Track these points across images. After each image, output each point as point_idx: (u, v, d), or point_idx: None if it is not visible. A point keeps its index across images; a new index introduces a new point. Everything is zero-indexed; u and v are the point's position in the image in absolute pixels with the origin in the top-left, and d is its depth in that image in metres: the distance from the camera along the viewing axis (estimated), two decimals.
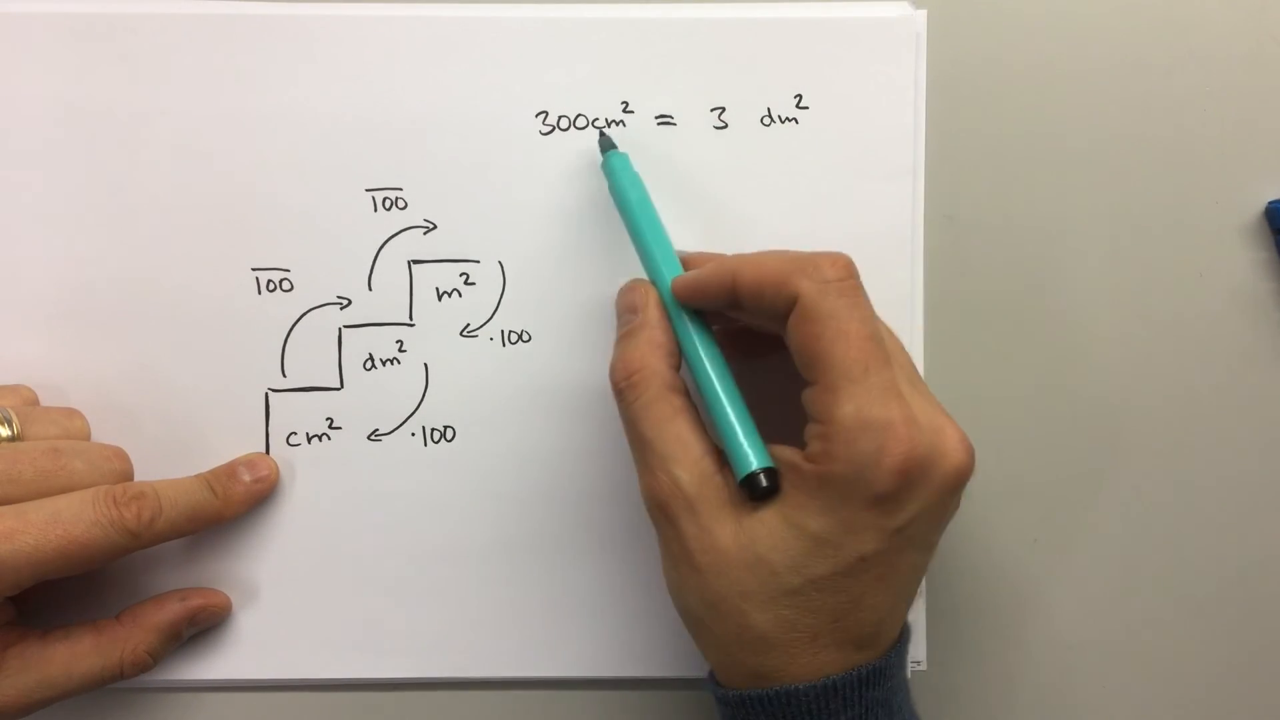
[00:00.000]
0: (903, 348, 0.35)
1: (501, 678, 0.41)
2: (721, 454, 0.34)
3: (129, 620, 0.38)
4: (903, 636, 0.34)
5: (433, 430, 0.41)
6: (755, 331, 0.38)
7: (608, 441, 0.41)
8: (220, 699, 0.41)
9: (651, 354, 0.34)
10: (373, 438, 0.41)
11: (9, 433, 0.37)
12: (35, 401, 0.40)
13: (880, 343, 0.32)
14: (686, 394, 0.34)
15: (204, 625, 0.40)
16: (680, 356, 0.35)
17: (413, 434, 0.41)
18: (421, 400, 0.41)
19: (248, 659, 0.41)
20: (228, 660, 0.41)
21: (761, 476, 0.32)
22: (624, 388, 0.34)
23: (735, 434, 0.33)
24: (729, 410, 0.33)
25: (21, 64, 0.40)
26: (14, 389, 0.39)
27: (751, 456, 0.32)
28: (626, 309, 0.36)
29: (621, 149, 0.39)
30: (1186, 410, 0.42)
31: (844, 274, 0.32)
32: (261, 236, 0.40)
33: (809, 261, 0.32)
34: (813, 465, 0.31)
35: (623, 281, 0.37)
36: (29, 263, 0.40)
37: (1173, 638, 0.42)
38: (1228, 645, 0.42)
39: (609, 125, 0.41)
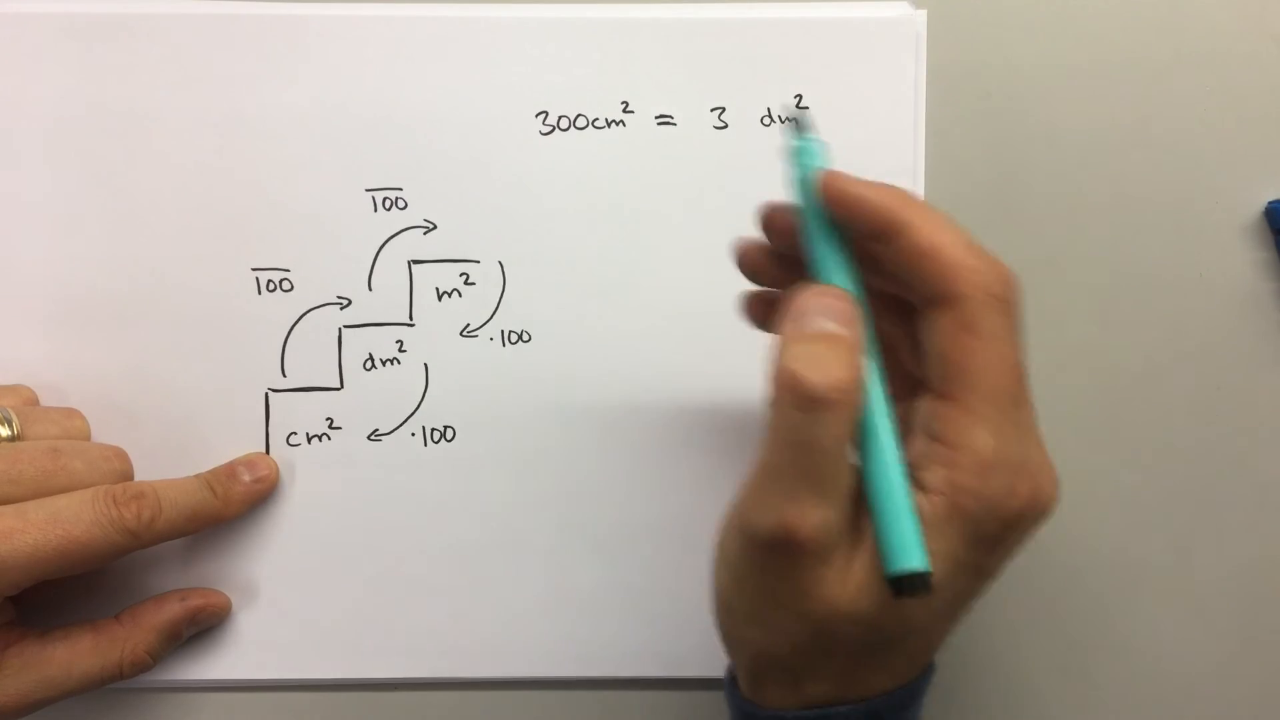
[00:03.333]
0: None
1: (502, 678, 0.41)
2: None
3: (129, 620, 0.38)
4: (931, 663, 0.33)
5: (433, 430, 0.41)
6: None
7: (608, 441, 0.41)
8: (220, 699, 0.41)
9: (851, 367, 0.28)
10: (373, 438, 0.41)
11: (9, 433, 0.37)
12: (35, 401, 0.40)
13: (1026, 377, 0.29)
14: None
15: (204, 625, 0.40)
16: None
17: (413, 434, 0.41)
18: (421, 400, 0.41)
19: (248, 659, 0.41)
20: (228, 660, 0.41)
21: (919, 579, 0.28)
22: (834, 399, 0.27)
23: (901, 520, 0.28)
24: (898, 489, 0.29)
25: (22, 64, 0.40)
26: (14, 389, 0.39)
27: (915, 553, 0.28)
28: (825, 313, 0.29)
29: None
30: (1186, 410, 0.42)
31: (1009, 295, 0.29)
32: (261, 236, 0.40)
33: (983, 264, 0.29)
34: (938, 497, 0.28)
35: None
36: (29, 263, 0.40)
37: (1173, 637, 0.42)
38: (1229, 645, 0.42)
39: (609, 125, 0.41)
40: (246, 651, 0.41)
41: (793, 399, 0.28)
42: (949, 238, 0.29)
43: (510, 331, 0.41)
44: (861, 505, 0.29)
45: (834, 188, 0.30)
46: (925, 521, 0.28)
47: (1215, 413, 0.42)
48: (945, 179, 0.41)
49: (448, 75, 0.40)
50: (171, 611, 0.39)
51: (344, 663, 0.41)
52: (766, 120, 0.41)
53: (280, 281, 0.41)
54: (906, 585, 0.28)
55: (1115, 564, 0.42)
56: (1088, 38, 0.42)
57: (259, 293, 0.41)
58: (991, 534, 0.29)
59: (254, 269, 0.41)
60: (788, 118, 0.35)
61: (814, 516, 0.28)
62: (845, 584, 0.29)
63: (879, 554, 0.29)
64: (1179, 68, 0.42)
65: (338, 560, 0.41)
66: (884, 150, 0.40)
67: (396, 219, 0.41)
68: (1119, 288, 0.42)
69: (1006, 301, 0.29)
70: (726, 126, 0.41)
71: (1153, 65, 0.42)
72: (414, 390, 0.41)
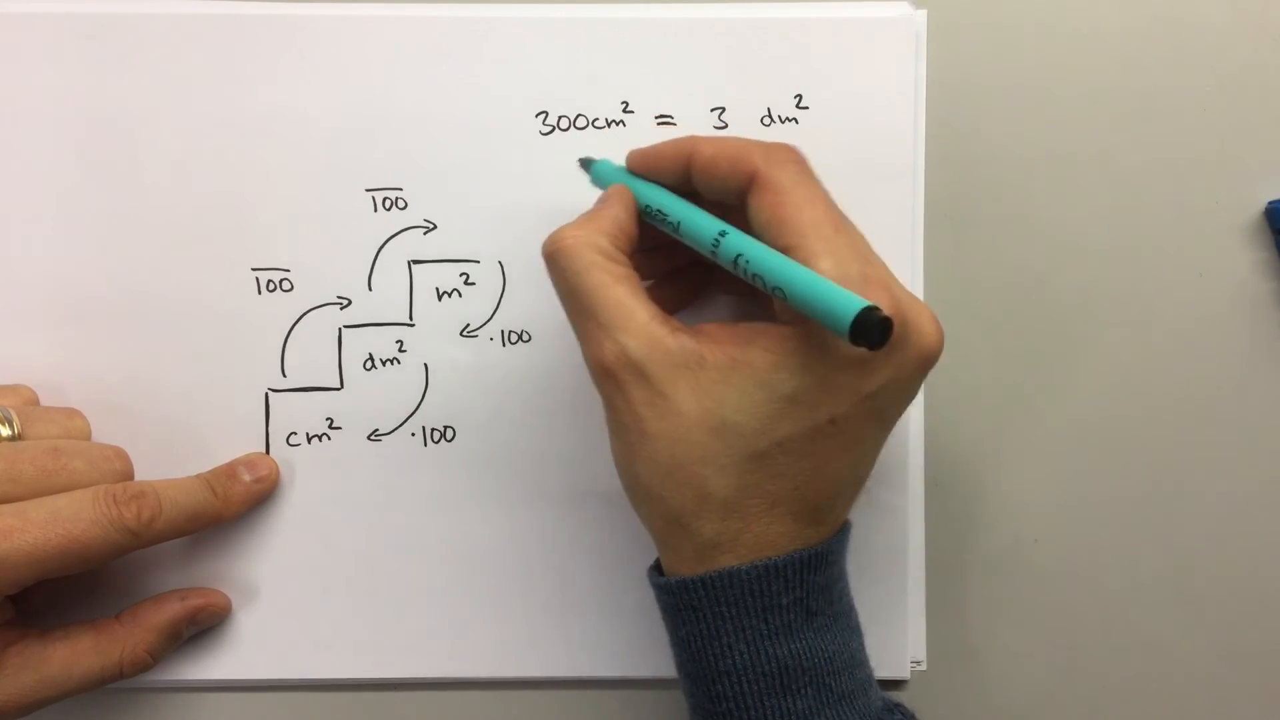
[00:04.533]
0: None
1: (501, 678, 0.41)
2: (669, 320, 0.33)
3: (129, 620, 0.38)
4: (845, 526, 0.35)
5: (433, 430, 0.41)
6: (676, 284, 0.39)
7: (608, 441, 0.41)
8: (220, 699, 0.41)
9: (585, 226, 0.34)
10: (373, 438, 0.41)
11: (9, 432, 0.37)
12: (35, 401, 0.40)
13: (837, 210, 0.33)
14: (629, 265, 0.34)
15: (204, 625, 0.40)
16: (632, 241, 0.34)
17: (413, 434, 0.41)
18: (421, 400, 0.41)
19: (248, 659, 0.41)
20: (228, 660, 0.41)
21: (875, 313, 0.28)
22: (553, 253, 0.33)
23: (820, 284, 0.29)
24: (797, 267, 0.30)
25: (23, 64, 0.40)
26: (14, 389, 0.39)
27: (848, 299, 0.28)
28: (598, 201, 0.36)
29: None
30: (1186, 410, 0.42)
31: (798, 158, 0.34)
32: (261, 236, 0.40)
33: (762, 145, 0.34)
34: (791, 326, 0.31)
35: None
36: (30, 263, 0.40)
37: (1173, 638, 0.42)
38: (1228, 645, 0.42)
39: (609, 125, 0.41)
40: (246, 651, 0.41)
41: (545, 261, 0.34)
42: (729, 143, 0.34)
43: (510, 331, 0.41)
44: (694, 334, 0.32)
45: (636, 156, 0.36)
46: (783, 349, 0.31)
47: (1215, 413, 0.42)
48: (945, 179, 0.41)
49: (448, 75, 0.40)
50: (171, 611, 0.39)
51: (344, 663, 0.41)
52: (767, 120, 0.41)
53: (280, 281, 0.41)
54: (865, 330, 0.28)
55: (1115, 564, 0.42)
56: (1088, 38, 0.42)
57: (259, 293, 0.41)
58: (859, 350, 0.30)
59: (254, 269, 0.41)
60: (581, 163, 0.38)
61: (608, 344, 0.32)
62: (679, 391, 0.31)
63: (766, 355, 0.31)
64: (1179, 68, 0.42)
65: (338, 560, 0.41)
66: (884, 150, 0.40)
67: (396, 219, 0.41)
68: (1119, 287, 0.42)
69: (791, 162, 0.33)
70: (726, 126, 0.41)
71: (1153, 65, 0.42)
72: (414, 390, 0.41)
